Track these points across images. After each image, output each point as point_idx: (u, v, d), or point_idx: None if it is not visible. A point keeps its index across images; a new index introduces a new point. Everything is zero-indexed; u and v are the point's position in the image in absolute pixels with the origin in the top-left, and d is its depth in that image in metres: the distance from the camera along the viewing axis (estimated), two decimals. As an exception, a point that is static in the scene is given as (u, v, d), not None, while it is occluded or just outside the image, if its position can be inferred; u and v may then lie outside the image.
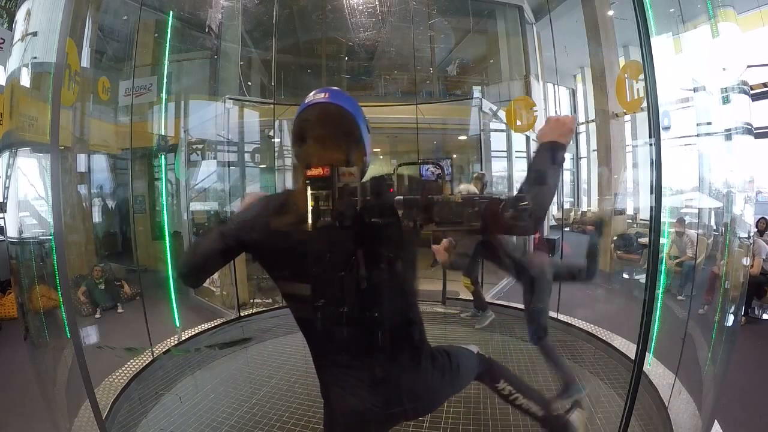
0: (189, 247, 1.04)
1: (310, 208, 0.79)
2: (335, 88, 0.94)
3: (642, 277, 1.31)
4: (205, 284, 4.20)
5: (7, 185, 1.87)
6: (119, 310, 4.08)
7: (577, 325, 3.11)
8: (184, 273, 0.97)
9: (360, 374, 0.92)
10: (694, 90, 2.08)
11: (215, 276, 4.12)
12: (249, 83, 5.83)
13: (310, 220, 0.79)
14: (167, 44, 3.39)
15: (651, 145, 1.17)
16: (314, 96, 0.91)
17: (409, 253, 0.94)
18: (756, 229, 4.18)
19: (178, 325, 3.19)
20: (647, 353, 1.79)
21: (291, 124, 0.94)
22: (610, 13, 5.40)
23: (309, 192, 0.79)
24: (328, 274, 0.85)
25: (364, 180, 0.86)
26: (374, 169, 0.94)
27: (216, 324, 3.42)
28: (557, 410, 1.41)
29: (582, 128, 7.60)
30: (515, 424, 2.01)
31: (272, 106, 4.60)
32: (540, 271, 2.06)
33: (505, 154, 5.45)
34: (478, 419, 2.06)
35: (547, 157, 0.88)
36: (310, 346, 0.97)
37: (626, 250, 5.17)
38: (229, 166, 4.46)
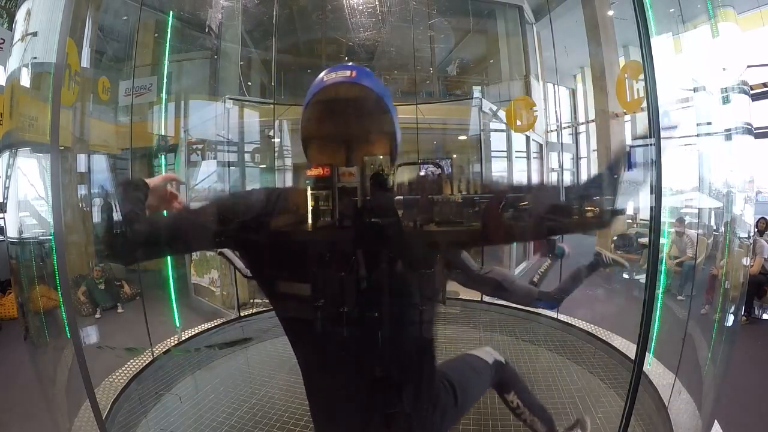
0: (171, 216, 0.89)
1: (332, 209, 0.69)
2: (353, 64, 0.75)
3: (642, 277, 1.31)
4: (205, 284, 4.25)
5: (7, 185, 1.87)
6: (119, 310, 4.07)
7: (577, 325, 3.11)
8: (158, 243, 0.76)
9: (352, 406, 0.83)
10: (694, 90, 2.07)
11: (215, 276, 4.12)
12: (249, 83, 5.82)
13: (326, 222, 0.69)
14: (167, 44, 3.40)
15: (651, 145, 1.17)
16: (336, 74, 0.70)
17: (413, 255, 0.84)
18: (756, 229, 4.17)
19: (178, 325, 3.19)
20: (647, 353, 1.79)
21: (301, 115, 0.76)
22: (610, 13, 5.40)
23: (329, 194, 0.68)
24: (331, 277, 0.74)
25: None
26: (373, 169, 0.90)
27: (216, 324, 3.42)
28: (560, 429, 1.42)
29: (582, 128, 7.60)
30: (516, 424, 2.01)
31: (272, 106, 4.59)
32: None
33: (505, 154, 5.44)
34: (478, 419, 2.06)
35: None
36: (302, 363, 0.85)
37: (626, 250, 5.16)
38: (229, 166, 4.45)
